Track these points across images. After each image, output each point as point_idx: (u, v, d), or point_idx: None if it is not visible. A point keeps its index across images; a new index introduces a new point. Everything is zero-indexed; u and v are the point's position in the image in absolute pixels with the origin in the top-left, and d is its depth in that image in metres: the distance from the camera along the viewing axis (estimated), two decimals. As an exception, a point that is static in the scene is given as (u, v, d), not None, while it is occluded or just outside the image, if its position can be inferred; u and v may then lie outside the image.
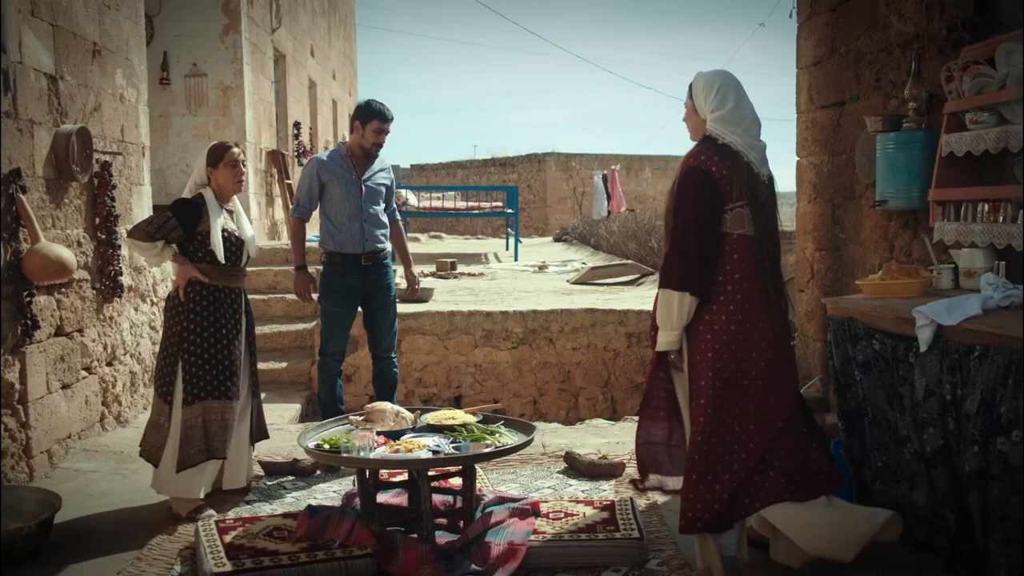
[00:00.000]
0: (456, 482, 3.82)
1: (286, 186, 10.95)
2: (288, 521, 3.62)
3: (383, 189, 5.11)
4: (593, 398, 7.22)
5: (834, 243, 5.20)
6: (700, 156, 3.00)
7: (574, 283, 10.60)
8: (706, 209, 2.95)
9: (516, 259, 14.57)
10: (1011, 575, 2.70)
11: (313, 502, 4.04)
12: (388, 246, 5.21)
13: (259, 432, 4.35)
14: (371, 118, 4.94)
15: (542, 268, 12.79)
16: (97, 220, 5.22)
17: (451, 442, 3.60)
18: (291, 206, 5.97)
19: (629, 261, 11.88)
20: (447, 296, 8.66)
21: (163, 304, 4.23)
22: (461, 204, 16.60)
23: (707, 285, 2.97)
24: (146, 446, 4.09)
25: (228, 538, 3.43)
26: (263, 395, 6.62)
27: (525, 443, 3.60)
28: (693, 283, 2.95)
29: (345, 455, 3.42)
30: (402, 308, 7.19)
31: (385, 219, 5.14)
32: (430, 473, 3.60)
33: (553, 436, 5.48)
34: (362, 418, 3.89)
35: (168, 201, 4.41)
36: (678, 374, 3.14)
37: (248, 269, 8.20)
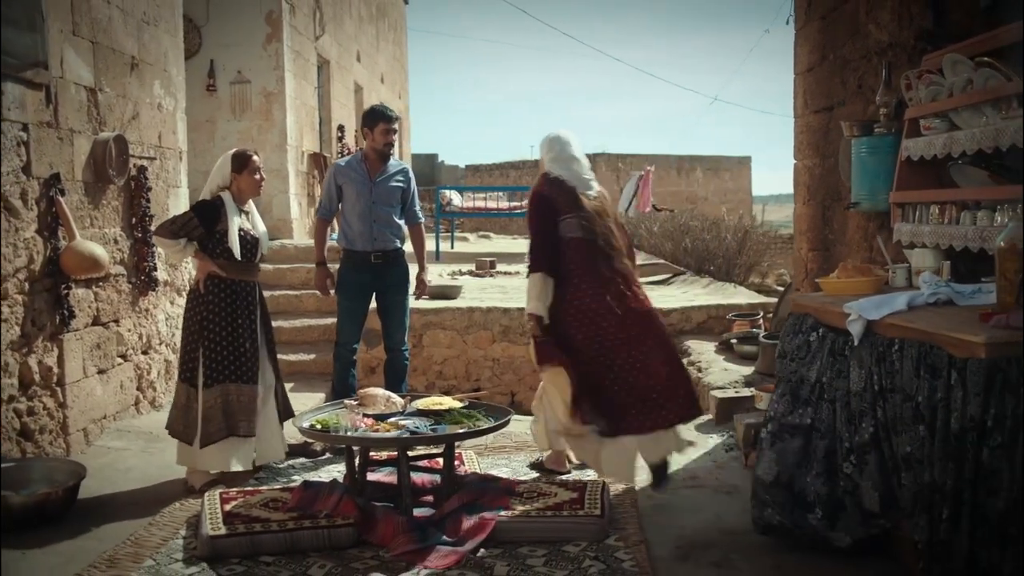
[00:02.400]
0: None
1: (328, 187, 11.41)
2: (284, 494, 3.98)
3: (397, 192, 5.39)
4: (607, 392, 7.44)
5: (824, 244, 5.37)
6: (542, 186, 4.33)
7: (606, 282, 10.83)
8: (545, 219, 4.24)
9: (558, 258, 14.82)
10: (928, 548, 2.89)
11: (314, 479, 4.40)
12: (402, 245, 5.50)
13: (286, 412, 4.73)
14: (377, 121, 5.29)
15: (579, 267, 13.04)
16: (133, 220, 5.67)
17: (431, 425, 3.92)
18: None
19: (661, 260, 12.06)
20: (477, 293, 8.98)
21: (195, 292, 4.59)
22: (504, 204, 16.91)
23: (555, 268, 4.16)
24: (176, 425, 4.47)
25: (228, 507, 3.80)
26: (292, 384, 7.08)
27: (496, 426, 3.90)
28: (546, 266, 4.17)
29: (331, 433, 3.76)
30: (425, 304, 7.56)
31: (398, 220, 5.42)
32: (417, 453, 3.93)
33: (555, 426, 5.75)
34: (356, 402, 4.23)
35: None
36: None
37: (283, 266, 8.68)
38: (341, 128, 12.73)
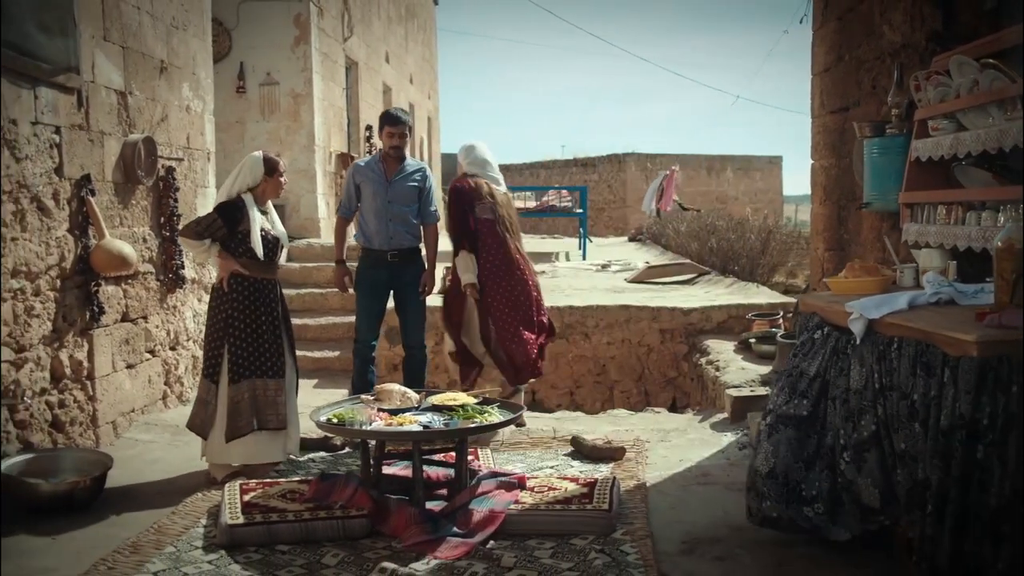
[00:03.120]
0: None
1: (355, 187, 11.58)
2: (302, 486, 4.10)
3: (413, 191, 5.50)
4: (627, 391, 7.52)
5: (840, 243, 5.39)
6: (461, 181, 5.55)
7: (630, 281, 10.86)
8: (462, 208, 5.44)
9: (584, 258, 14.89)
10: (920, 544, 2.92)
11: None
12: (419, 244, 5.61)
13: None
14: (383, 124, 5.44)
15: (604, 267, 13.08)
16: (162, 219, 5.84)
17: (444, 420, 4.01)
18: None
19: (686, 260, 12.07)
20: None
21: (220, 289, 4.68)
22: (531, 204, 17.02)
23: (474, 245, 5.39)
24: (196, 420, 4.61)
25: (247, 497, 3.93)
26: (316, 380, 7.23)
27: (506, 422, 3.99)
28: (468, 246, 5.40)
29: (346, 427, 3.87)
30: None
31: (415, 220, 5.54)
32: (432, 448, 4.03)
33: (572, 423, 5.83)
34: (372, 397, 4.34)
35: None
36: (472, 301, 5.47)
37: (309, 265, 8.82)
38: (369, 128, 12.89)
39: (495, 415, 4.11)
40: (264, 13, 9.77)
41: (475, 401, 4.31)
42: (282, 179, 4.72)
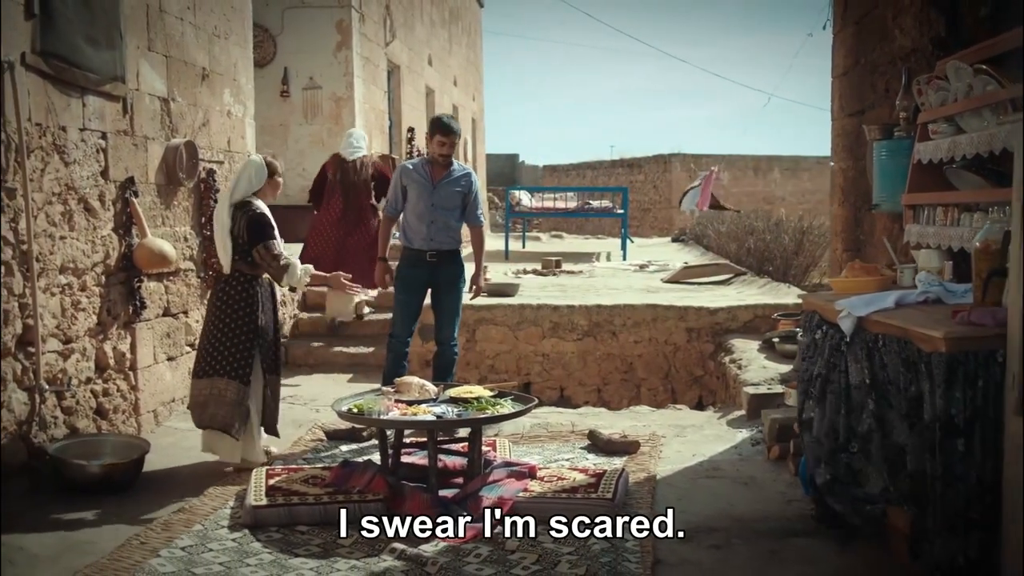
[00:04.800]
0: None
1: (396, 188, 11.87)
2: (324, 472, 4.34)
3: (457, 196, 5.58)
4: (654, 388, 7.65)
5: (857, 244, 5.47)
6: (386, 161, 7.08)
7: (666, 281, 10.95)
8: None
9: (624, 258, 14.99)
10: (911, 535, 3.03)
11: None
12: (458, 247, 5.71)
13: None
14: (434, 132, 5.55)
15: (642, 267, 13.17)
16: (203, 219, 6.14)
17: (457, 411, 4.21)
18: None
19: (723, 261, 12.10)
20: (537, 291, 9.24)
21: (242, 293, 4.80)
22: (571, 204, 17.17)
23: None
24: (229, 421, 4.60)
25: (272, 482, 4.18)
26: (351, 375, 7.47)
27: (517, 412, 4.18)
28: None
29: (364, 416, 4.10)
30: (479, 300, 7.86)
31: (457, 224, 5.63)
32: (452, 438, 4.23)
33: (594, 418, 5.99)
34: (393, 389, 4.56)
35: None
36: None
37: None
38: (411, 130, 13.18)
39: (507, 407, 4.29)
40: (308, 20, 10.10)
41: (490, 394, 4.50)
42: (279, 179, 4.91)
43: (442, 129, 5.53)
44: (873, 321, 3.21)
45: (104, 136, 5.00)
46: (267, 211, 4.75)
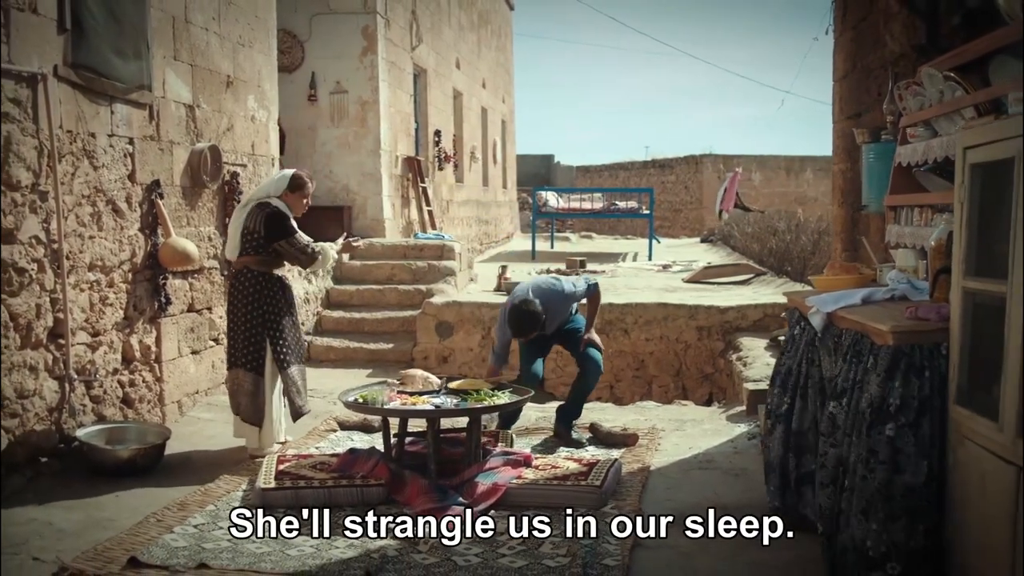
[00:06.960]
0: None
1: (421, 189, 12.13)
2: (332, 459, 4.59)
3: (565, 307, 5.38)
4: (665, 385, 7.81)
5: (854, 244, 5.59)
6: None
7: (686, 281, 11.08)
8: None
9: (650, 258, 15.13)
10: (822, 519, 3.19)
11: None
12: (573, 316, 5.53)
13: None
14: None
15: (666, 267, 13.31)
16: (226, 220, 6.42)
17: (456, 402, 4.44)
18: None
19: (743, 261, 12.20)
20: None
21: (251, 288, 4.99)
22: (598, 206, 17.37)
23: None
24: (251, 411, 4.90)
25: (282, 467, 4.44)
26: (371, 369, 7.74)
27: (511, 403, 4.39)
28: None
29: (367, 405, 4.34)
30: (497, 299, 8.14)
31: (570, 311, 5.47)
32: (454, 427, 4.45)
33: (599, 413, 6.18)
34: (398, 381, 4.80)
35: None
36: None
37: (370, 263, 9.35)
38: (438, 133, 13.44)
39: (503, 398, 4.51)
40: (334, 26, 10.40)
41: (489, 387, 4.72)
42: (305, 201, 5.04)
43: (529, 323, 5.04)
44: (840, 317, 3.38)
45: (131, 141, 5.30)
46: (286, 209, 4.99)
